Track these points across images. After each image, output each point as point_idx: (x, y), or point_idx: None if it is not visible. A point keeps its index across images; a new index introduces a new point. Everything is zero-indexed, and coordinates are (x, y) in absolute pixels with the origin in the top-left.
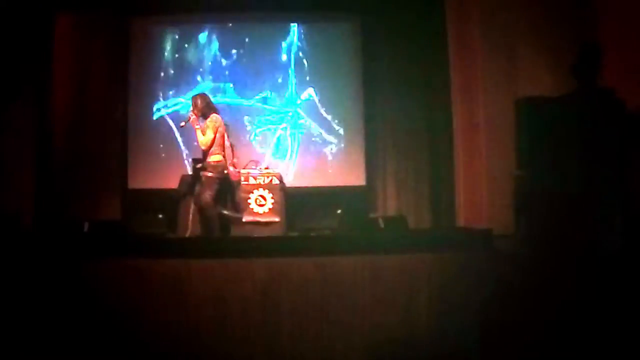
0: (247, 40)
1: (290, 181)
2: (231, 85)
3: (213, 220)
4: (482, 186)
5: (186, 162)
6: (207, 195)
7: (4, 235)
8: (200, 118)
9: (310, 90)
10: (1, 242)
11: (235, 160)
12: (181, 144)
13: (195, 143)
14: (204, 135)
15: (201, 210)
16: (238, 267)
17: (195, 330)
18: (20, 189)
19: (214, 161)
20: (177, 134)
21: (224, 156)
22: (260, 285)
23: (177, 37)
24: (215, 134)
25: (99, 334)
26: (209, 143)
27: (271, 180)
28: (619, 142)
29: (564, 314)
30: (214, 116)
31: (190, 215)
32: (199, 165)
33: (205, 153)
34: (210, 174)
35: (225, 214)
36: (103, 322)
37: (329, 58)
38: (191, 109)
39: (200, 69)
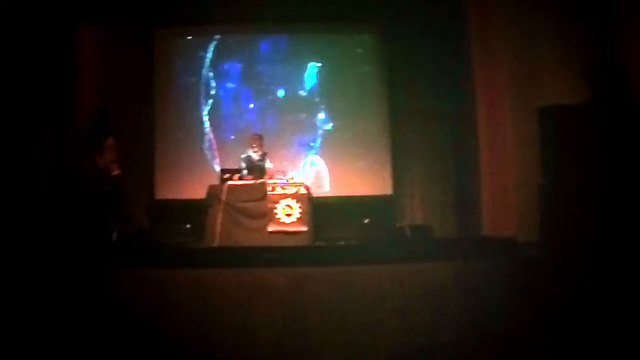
0: (268, 50)
1: (317, 191)
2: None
3: None
4: (507, 194)
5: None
6: None
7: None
8: None
9: (338, 100)
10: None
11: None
12: (208, 154)
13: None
14: None
15: None
16: (265, 276)
17: (220, 340)
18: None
19: None
20: (204, 145)
21: None
22: (287, 295)
23: (201, 47)
24: None
25: (125, 342)
26: None
27: (298, 190)
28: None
29: (587, 320)
30: None
31: (218, 225)
32: (226, 175)
33: None
34: None
35: None
36: (129, 330)
37: (354, 68)
38: None
39: (223, 80)
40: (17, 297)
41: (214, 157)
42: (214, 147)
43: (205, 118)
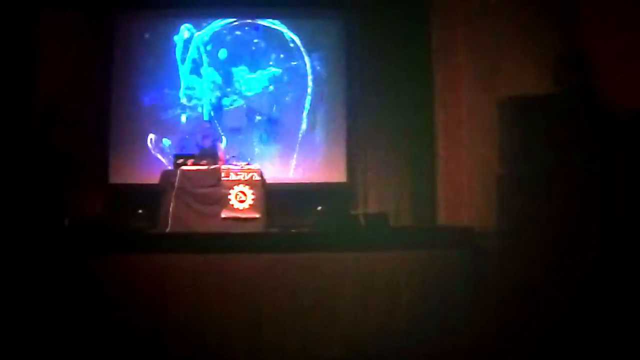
0: (229, 37)
1: (271, 177)
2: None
3: None
4: (464, 184)
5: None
6: None
7: None
8: None
9: (294, 85)
10: None
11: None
12: (162, 139)
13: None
14: None
15: None
16: (218, 263)
17: (174, 326)
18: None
19: None
20: (158, 130)
21: None
22: (241, 282)
23: (159, 32)
24: None
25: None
26: None
27: (252, 177)
28: (601, 141)
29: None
30: None
31: (171, 211)
32: (180, 161)
33: None
34: None
35: None
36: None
37: (312, 55)
38: None
39: (181, 65)
40: None
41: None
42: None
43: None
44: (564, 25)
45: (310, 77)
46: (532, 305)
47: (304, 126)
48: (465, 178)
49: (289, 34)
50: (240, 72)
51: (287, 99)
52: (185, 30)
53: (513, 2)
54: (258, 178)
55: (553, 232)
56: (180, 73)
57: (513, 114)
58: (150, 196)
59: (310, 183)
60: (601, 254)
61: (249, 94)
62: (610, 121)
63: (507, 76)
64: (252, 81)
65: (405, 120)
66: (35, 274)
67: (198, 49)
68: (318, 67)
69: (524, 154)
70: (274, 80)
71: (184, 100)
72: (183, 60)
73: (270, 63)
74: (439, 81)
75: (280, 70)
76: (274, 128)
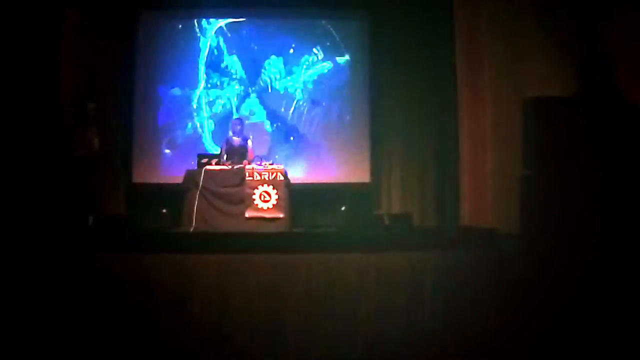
0: (254, 34)
1: (295, 177)
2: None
3: None
4: (488, 185)
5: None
6: None
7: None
8: None
9: (317, 87)
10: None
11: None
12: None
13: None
14: None
15: None
16: (242, 263)
17: (198, 326)
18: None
19: None
20: (183, 129)
21: None
22: (265, 282)
23: (183, 31)
24: None
25: (99, 329)
26: None
27: (276, 176)
28: (625, 142)
29: (568, 314)
30: None
31: (195, 210)
32: (204, 160)
33: None
34: None
35: None
36: (105, 318)
37: (335, 55)
38: None
39: (207, 63)
40: None
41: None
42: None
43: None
44: (589, 26)
45: (334, 78)
46: (555, 306)
47: (327, 126)
48: (489, 179)
49: (313, 33)
50: (266, 72)
51: (312, 98)
52: (210, 26)
53: (537, 3)
54: (282, 178)
55: (576, 233)
56: (205, 70)
57: (538, 115)
58: (173, 195)
59: (334, 183)
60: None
61: (275, 93)
62: (635, 122)
63: (532, 77)
64: (277, 81)
65: (429, 120)
66: (59, 271)
67: (222, 46)
68: (342, 68)
69: (548, 154)
70: (300, 80)
71: (209, 99)
72: (209, 57)
73: (299, 63)
74: (463, 82)
75: (306, 70)
76: (297, 129)
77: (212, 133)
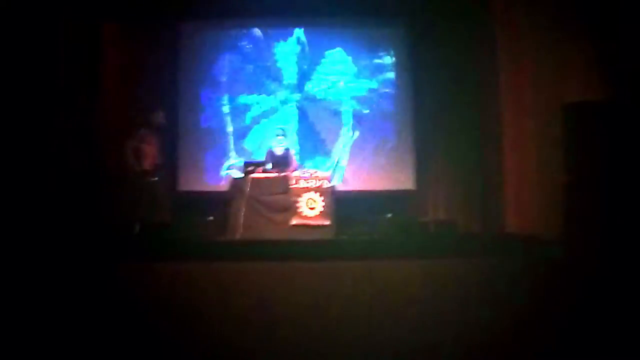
0: (295, 43)
1: (340, 185)
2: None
3: None
4: (531, 191)
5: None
6: None
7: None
8: None
9: (362, 95)
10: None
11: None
12: (231, 146)
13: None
14: None
15: None
16: (289, 270)
17: (242, 334)
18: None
19: None
20: (229, 137)
21: None
22: (311, 289)
23: (224, 42)
24: None
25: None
26: None
27: (322, 184)
28: None
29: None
30: None
31: (241, 218)
32: (250, 168)
33: None
34: None
35: None
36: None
37: (377, 61)
38: None
39: (248, 73)
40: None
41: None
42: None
43: (227, 111)
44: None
45: (378, 85)
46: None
47: (372, 134)
48: (533, 185)
49: (355, 42)
50: (313, 81)
51: (359, 107)
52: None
53: (577, 9)
54: (328, 185)
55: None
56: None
57: (578, 121)
58: (218, 204)
59: (380, 191)
60: None
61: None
62: None
63: (572, 83)
64: (323, 89)
65: (473, 128)
66: (105, 277)
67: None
68: (387, 76)
69: (590, 160)
70: (347, 88)
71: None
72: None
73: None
74: (505, 88)
75: (352, 79)
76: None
77: (250, 140)
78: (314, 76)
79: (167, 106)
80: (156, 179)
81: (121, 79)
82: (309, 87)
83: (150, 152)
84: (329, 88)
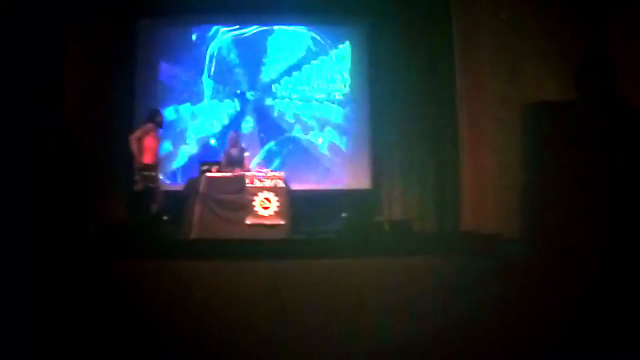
0: (255, 42)
1: (295, 184)
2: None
3: None
4: (488, 190)
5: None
6: None
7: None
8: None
9: (317, 93)
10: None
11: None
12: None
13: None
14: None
15: None
16: (243, 269)
17: (198, 332)
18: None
19: None
20: (185, 137)
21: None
22: (265, 288)
23: (183, 39)
24: None
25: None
26: None
27: (276, 183)
28: (624, 146)
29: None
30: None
31: (196, 217)
32: (204, 167)
33: None
34: None
35: None
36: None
37: (334, 60)
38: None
39: (205, 71)
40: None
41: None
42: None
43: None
44: (587, 30)
45: (333, 84)
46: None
47: (328, 133)
48: (490, 184)
49: (310, 39)
50: (265, 78)
51: (311, 104)
52: (210, 34)
53: (537, 6)
54: (282, 185)
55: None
56: (205, 79)
57: (536, 120)
58: (174, 202)
59: (335, 189)
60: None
61: (275, 101)
62: (634, 126)
63: (530, 82)
64: (275, 86)
65: (429, 127)
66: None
67: (222, 54)
68: (342, 74)
69: (549, 159)
70: (299, 85)
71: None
72: (209, 66)
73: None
74: (462, 88)
75: (305, 75)
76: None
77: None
78: (266, 78)
79: (124, 102)
80: (154, 174)
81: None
82: (263, 88)
83: (152, 147)
84: (284, 88)
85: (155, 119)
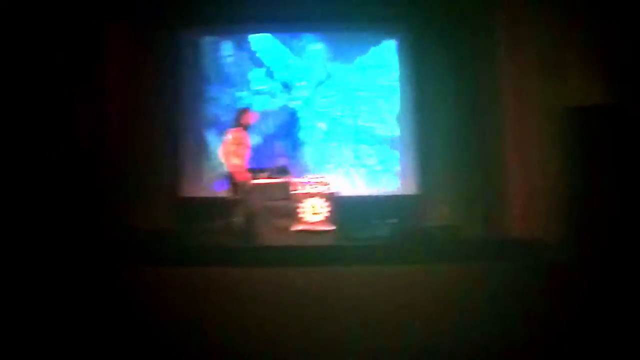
0: (298, 49)
1: (343, 190)
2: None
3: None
4: (534, 196)
5: None
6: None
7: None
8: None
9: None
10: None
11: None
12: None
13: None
14: None
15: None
16: (293, 275)
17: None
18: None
19: None
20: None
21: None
22: (316, 294)
23: (226, 46)
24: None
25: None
26: None
27: (322, 189)
28: None
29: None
30: None
31: (243, 224)
32: (251, 174)
33: None
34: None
35: None
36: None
37: (380, 68)
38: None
39: (248, 78)
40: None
41: None
42: None
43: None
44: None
45: (381, 91)
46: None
47: (375, 139)
48: (536, 190)
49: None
50: (310, 87)
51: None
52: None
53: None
54: (328, 190)
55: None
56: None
57: (582, 125)
58: (221, 209)
59: (382, 195)
60: None
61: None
62: None
63: (575, 88)
64: (319, 95)
65: (476, 132)
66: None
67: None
68: (390, 82)
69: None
70: (347, 93)
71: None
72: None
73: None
74: (507, 93)
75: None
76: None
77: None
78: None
79: (167, 111)
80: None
81: (124, 83)
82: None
83: (244, 154)
84: (327, 94)
85: (242, 121)
